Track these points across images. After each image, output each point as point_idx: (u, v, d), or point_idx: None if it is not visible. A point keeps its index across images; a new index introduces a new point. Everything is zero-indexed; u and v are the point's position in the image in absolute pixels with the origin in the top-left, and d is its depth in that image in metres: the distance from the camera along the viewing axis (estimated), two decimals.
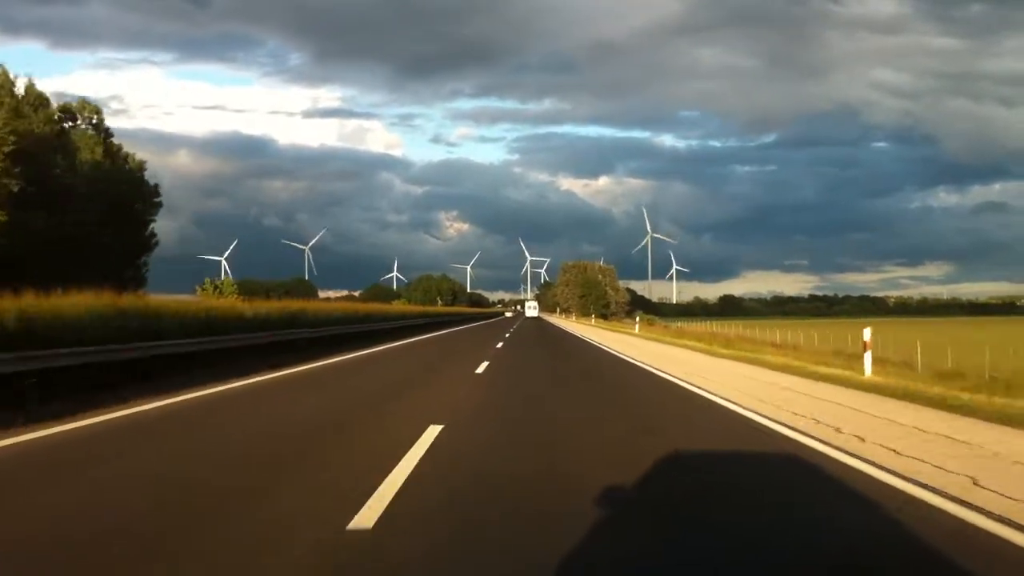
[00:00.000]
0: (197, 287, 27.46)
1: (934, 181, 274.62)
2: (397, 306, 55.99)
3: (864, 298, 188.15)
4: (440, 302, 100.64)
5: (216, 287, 28.04)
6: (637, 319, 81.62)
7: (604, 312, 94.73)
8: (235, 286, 28.01)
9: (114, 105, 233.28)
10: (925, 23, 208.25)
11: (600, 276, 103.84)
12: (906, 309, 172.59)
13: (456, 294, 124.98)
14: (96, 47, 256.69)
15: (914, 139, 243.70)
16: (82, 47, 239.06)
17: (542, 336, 36.60)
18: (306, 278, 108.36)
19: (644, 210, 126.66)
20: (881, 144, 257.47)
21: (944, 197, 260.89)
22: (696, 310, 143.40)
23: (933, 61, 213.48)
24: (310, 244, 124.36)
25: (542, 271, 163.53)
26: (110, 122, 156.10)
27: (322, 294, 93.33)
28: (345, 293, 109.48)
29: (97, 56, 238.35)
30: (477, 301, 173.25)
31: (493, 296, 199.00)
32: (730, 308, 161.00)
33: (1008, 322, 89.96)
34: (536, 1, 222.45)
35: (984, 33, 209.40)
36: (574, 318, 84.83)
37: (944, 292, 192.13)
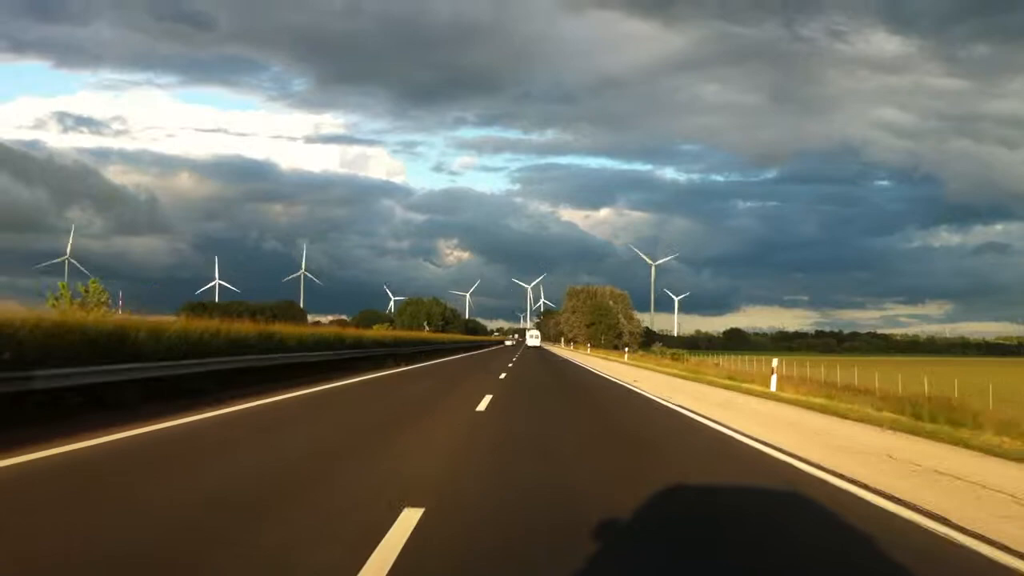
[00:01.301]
0: (50, 293, 18.92)
1: (936, 220, 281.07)
2: (373, 331, 47.12)
3: (873, 335, 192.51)
4: (428, 328, 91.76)
5: (82, 294, 19.44)
6: (656, 350, 73.24)
7: (616, 343, 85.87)
8: (106, 293, 19.23)
9: (116, 126, 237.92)
10: (929, 63, 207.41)
11: (611, 303, 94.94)
12: (915, 347, 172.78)
13: (448, 320, 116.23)
14: (99, 67, 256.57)
15: (916, 178, 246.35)
16: (85, 67, 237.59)
17: (554, 378, 27.04)
18: (301, 302, 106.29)
19: (636, 249, 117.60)
20: (883, 182, 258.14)
21: (946, 237, 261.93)
22: (701, 343, 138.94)
23: (936, 101, 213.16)
24: (303, 266, 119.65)
25: (541, 303, 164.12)
26: (112, 143, 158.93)
27: (313, 318, 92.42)
28: (334, 318, 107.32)
29: (100, 76, 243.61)
30: (474, 329, 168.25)
31: (492, 325, 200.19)
32: (736, 342, 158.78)
33: None
34: (539, 33, 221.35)
35: (987, 74, 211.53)
36: (587, 350, 75.12)
37: (946, 331, 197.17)
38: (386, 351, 33.85)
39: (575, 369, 34.86)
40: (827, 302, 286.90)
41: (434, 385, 20.86)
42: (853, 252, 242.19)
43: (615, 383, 24.09)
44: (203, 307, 67.77)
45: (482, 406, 13.79)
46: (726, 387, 22.17)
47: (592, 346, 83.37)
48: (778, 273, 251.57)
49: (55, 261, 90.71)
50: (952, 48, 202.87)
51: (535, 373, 28.72)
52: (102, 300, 20.65)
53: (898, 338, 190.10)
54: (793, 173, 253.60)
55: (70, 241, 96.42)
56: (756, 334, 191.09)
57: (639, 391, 19.97)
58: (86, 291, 21.41)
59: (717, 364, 50.24)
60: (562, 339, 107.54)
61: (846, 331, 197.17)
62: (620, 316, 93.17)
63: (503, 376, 23.92)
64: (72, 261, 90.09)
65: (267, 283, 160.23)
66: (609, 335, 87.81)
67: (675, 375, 31.29)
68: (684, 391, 20.04)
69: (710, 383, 24.64)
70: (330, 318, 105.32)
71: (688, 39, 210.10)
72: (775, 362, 22.20)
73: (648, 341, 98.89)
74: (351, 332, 37.68)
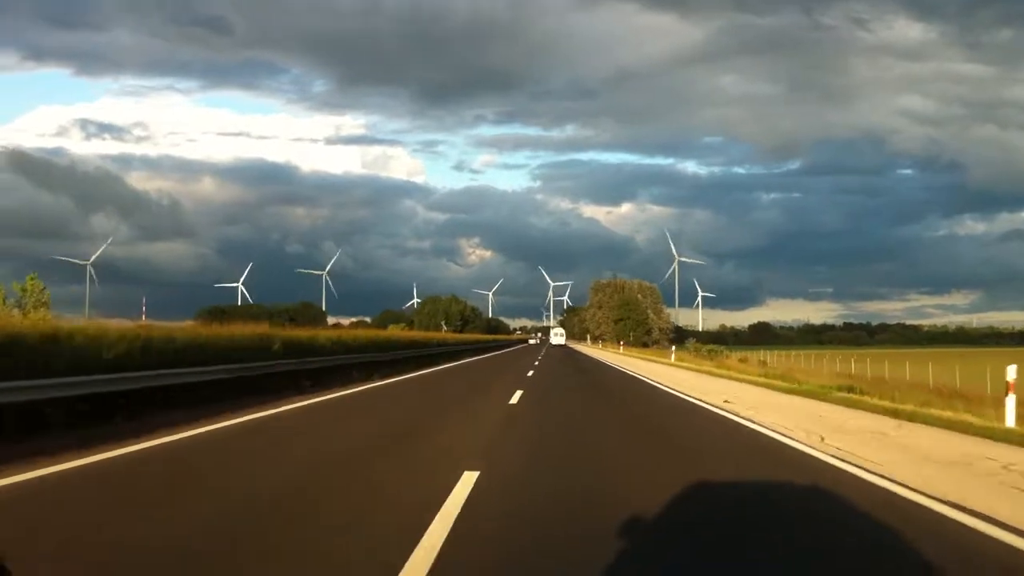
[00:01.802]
0: None
1: (960, 209, 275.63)
2: (378, 332, 43.13)
3: (903, 326, 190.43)
4: (445, 328, 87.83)
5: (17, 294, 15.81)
6: (690, 346, 68.81)
7: (645, 340, 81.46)
8: (47, 292, 15.50)
9: (138, 132, 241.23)
10: (951, 49, 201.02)
11: (640, 296, 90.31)
12: (947, 338, 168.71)
13: (467, 319, 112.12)
14: (120, 74, 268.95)
15: (940, 166, 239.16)
16: (106, 74, 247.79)
17: (601, 402, 17.64)
18: (323, 304, 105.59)
19: (667, 234, 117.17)
20: (906, 171, 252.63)
21: (970, 225, 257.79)
22: (727, 338, 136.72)
23: (959, 88, 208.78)
24: (327, 269, 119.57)
25: (564, 297, 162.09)
26: (134, 149, 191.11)
27: (334, 320, 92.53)
28: (356, 319, 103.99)
29: (121, 83, 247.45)
30: (496, 327, 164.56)
31: (515, 323, 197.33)
32: (764, 336, 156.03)
33: None
34: (557, 28, 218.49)
35: (1011, 59, 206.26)
36: (619, 348, 70.31)
37: (973, 320, 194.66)
38: (350, 360, 23.89)
39: (620, 379, 26.11)
40: (851, 294, 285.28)
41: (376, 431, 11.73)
42: (877, 243, 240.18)
43: (720, 415, 13.70)
44: (221, 312, 66.52)
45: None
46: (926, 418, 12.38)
47: (624, 344, 79.15)
48: (802, 266, 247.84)
49: (76, 262, 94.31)
50: (975, 34, 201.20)
51: (565, 393, 19.81)
52: (42, 301, 17.06)
53: (926, 329, 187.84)
54: (815, 164, 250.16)
55: (100, 250, 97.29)
56: (782, 328, 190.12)
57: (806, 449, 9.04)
58: (23, 291, 17.83)
59: (764, 362, 45.81)
60: (588, 337, 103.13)
61: (871, 323, 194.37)
62: (649, 311, 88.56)
63: (516, 399, 16.05)
64: (91, 269, 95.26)
65: (288, 286, 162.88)
66: (638, 331, 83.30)
67: (773, 387, 21.93)
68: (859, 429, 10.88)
69: (854, 403, 15.23)
70: (351, 320, 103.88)
71: (706, 30, 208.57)
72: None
73: (679, 337, 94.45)
74: (283, 333, 33.65)
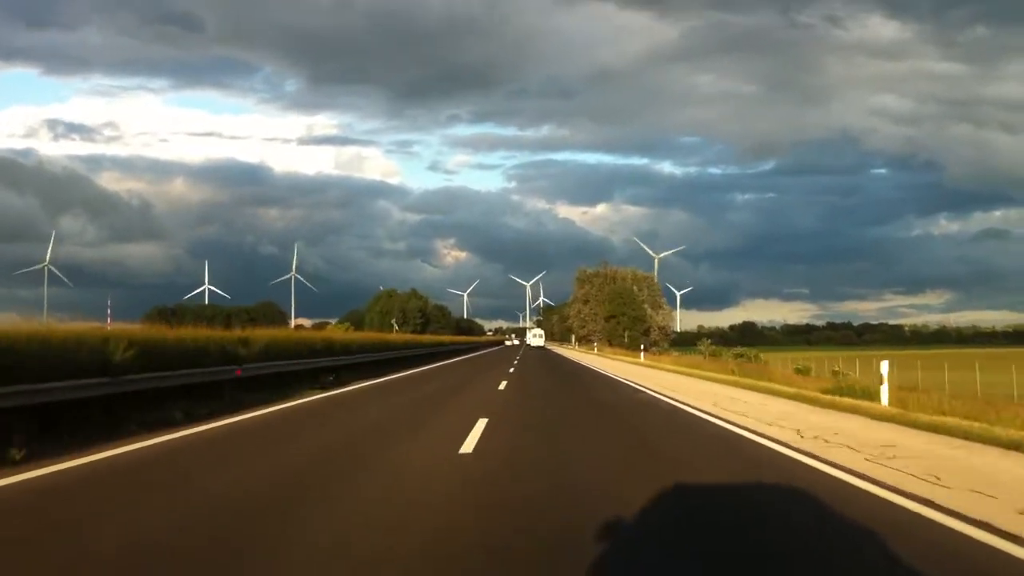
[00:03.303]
0: None
1: (935, 208, 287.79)
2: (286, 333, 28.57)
3: (889, 327, 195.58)
4: (397, 328, 72.96)
5: None
6: (703, 348, 55.02)
7: (643, 342, 67.19)
8: None
9: (108, 132, 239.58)
10: (926, 47, 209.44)
11: (635, 289, 75.61)
12: (938, 339, 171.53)
13: (429, 317, 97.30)
14: (90, 73, 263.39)
15: (915, 166, 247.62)
16: (75, 73, 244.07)
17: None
18: (291, 305, 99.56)
19: (637, 239, 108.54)
20: (881, 171, 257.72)
21: (945, 224, 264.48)
22: (713, 337, 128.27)
23: (934, 86, 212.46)
24: (294, 267, 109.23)
25: (540, 299, 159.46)
26: (104, 149, 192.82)
27: (298, 322, 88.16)
28: (320, 321, 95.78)
29: (91, 83, 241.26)
30: (468, 328, 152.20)
31: (492, 325, 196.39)
32: (748, 337, 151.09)
33: None
34: (533, 27, 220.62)
35: (986, 58, 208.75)
36: (639, 355, 53.75)
37: (951, 320, 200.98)
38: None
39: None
40: (827, 294, 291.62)
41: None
42: (852, 242, 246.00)
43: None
44: (172, 313, 61.53)
45: None
46: None
47: (615, 345, 64.55)
48: (777, 266, 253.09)
49: (33, 268, 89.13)
50: (950, 32, 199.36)
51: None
52: None
53: (907, 328, 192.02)
54: (791, 164, 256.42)
55: (49, 248, 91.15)
56: (765, 328, 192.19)
57: None
58: None
59: (838, 372, 32.30)
60: (572, 338, 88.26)
61: (851, 323, 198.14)
62: (647, 306, 74.05)
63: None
64: (51, 268, 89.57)
65: (262, 288, 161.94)
66: (634, 330, 68.91)
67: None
68: None
69: None
70: (313, 322, 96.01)
71: (682, 29, 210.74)
72: None
73: (678, 340, 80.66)
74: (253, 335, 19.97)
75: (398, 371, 27.94)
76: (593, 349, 67.08)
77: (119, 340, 11.85)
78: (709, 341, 59.46)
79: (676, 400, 15.71)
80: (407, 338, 54.29)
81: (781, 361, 41.63)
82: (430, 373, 28.66)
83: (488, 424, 10.65)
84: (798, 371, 33.19)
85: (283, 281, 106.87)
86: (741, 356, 46.56)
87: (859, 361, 31.38)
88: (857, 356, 47.98)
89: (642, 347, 51.32)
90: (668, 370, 31.85)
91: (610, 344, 67.85)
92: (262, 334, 22.61)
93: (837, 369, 31.85)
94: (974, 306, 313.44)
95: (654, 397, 16.76)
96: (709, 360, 44.12)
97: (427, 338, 57.10)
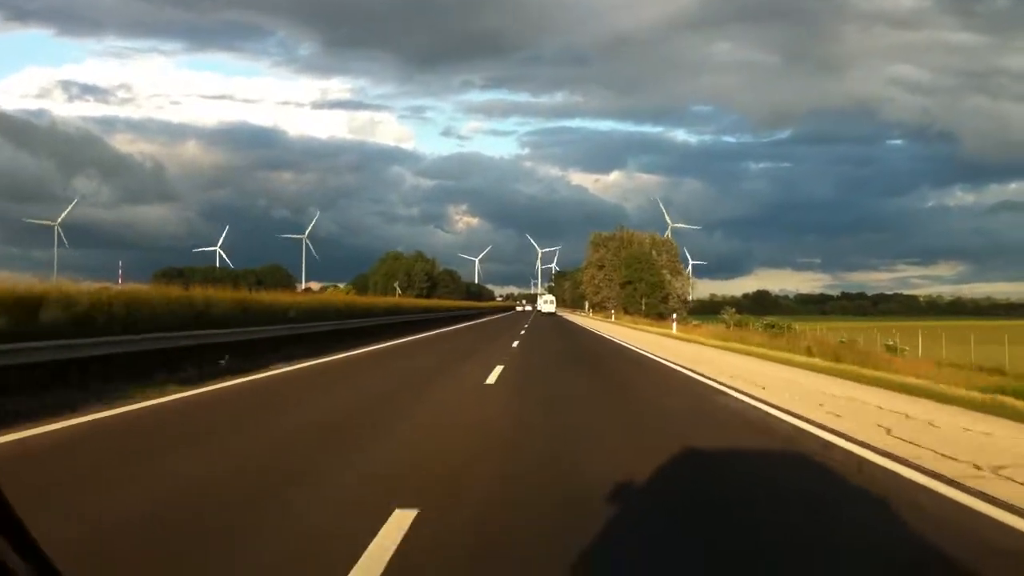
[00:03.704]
0: None
1: (950, 180, 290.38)
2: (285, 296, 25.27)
3: (903, 296, 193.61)
4: (400, 292, 69.51)
5: None
6: (727, 318, 51.31)
7: (662, 310, 63.49)
8: None
9: (122, 94, 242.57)
10: (944, 17, 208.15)
11: (654, 253, 71.62)
12: (947, 309, 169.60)
13: (436, 281, 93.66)
14: (103, 35, 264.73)
15: (931, 137, 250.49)
16: (89, 35, 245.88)
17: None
18: (302, 268, 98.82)
19: (659, 201, 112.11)
20: (897, 142, 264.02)
21: (960, 196, 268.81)
22: (725, 308, 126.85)
23: (952, 57, 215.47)
24: (307, 232, 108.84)
25: (552, 265, 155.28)
26: (118, 111, 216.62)
27: (307, 286, 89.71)
28: (330, 284, 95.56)
29: (105, 44, 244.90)
30: (478, 293, 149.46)
31: (503, 290, 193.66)
32: (764, 306, 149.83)
33: None
34: None
35: (1004, 28, 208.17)
36: (640, 322, 51.63)
37: (964, 291, 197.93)
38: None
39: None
40: (840, 264, 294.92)
41: None
42: (867, 213, 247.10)
43: None
44: (179, 273, 63.12)
45: None
46: None
47: (633, 313, 60.81)
48: (791, 235, 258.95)
49: (43, 222, 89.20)
50: (969, 1, 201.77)
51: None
52: None
53: (921, 299, 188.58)
54: (806, 134, 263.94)
55: (68, 209, 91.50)
56: (780, 297, 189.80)
57: None
58: None
59: (895, 347, 27.97)
60: (586, 304, 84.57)
61: (856, 293, 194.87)
62: (666, 272, 70.05)
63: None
64: (59, 230, 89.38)
65: (273, 251, 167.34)
66: (653, 297, 65.03)
67: None
68: None
69: None
70: (321, 285, 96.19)
71: None
72: None
73: (695, 308, 76.94)
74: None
75: (369, 344, 22.90)
76: (610, 317, 63.22)
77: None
78: (733, 310, 55.72)
79: (809, 422, 8.14)
80: (417, 303, 50.90)
81: (811, 332, 37.82)
82: (435, 339, 25.12)
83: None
84: (888, 348, 28.30)
85: (293, 241, 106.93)
86: (772, 327, 42.90)
87: (922, 334, 27.37)
88: (896, 327, 43.62)
89: (674, 316, 47.31)
90: (714, 346, 26.27)
91: (626, 312, 64.18)
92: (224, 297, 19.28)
93: (892, 343, 27.89)
94: (987, 278, 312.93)
95: (756, 409, 9.33)
96: (757, 333, 39.73)
97: (424, 302, 53.72)
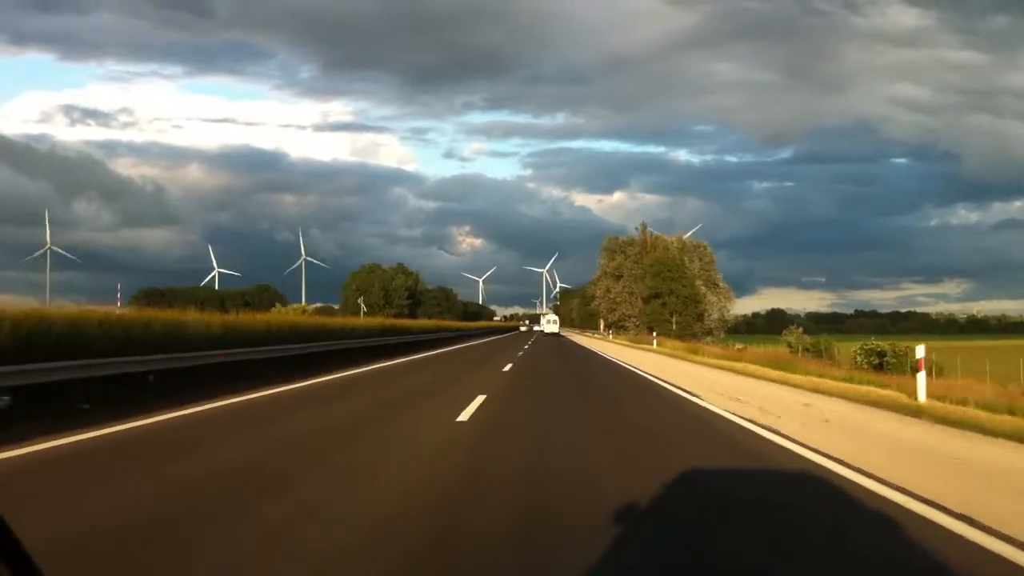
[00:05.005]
0: None
1: (954, 198, 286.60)
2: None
3: (919, 315, 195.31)
4: (365, 311, 56.08)
5: None
6: (791, 339, 38.18)
7: (696, 330, 50.17)
8: None
9: (124, 118, 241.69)
10: (945, 36, 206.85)
11: (685, 260, 57.66)
12: (968, 328, 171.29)
13: (418, 298, 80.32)
14: (104, 59, 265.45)
15: (934, 155, 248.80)
16: (90, 59, 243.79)
17: None
18: (302, 289, 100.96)
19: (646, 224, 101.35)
20: (900, 160, 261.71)
21: (964, 214, 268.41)
22: (740, 327, 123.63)
23: (954, 75, 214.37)
24: (303, 253, 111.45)
25: (555, 289, 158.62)
26: (120, 135, 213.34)
27: (297, 307, 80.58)
28: (321, 305, 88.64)
29: (106, 68, 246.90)
30: (476, 313, 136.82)
31: (508, 311, 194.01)
32: (779, 325, 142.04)
33: None
34: (547, 13, 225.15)
35: (1006, 47, 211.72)
36: (706, 354, 33.36)
37: (974, 309, 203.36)
38: None
39: None
40: (844, 283, 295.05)
41: None
42: (870, 231, 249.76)
43: None
44: (160, 295, 61.69)
45: None
46: None
47: (662, 334, 46.10)
48: (795, 254, 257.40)
49: (37, 254, 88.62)
50: (970, 20, 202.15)
51: None
52: None
53: (933, 317, 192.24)
54: (808, 152, 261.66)
55: (47, 228, 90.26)
56: (793, 316, 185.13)
57: None
58: None
59: None
60: (601, 324, 70.19)
61: (868, 311, 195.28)
62: (700, 283, 56.41)
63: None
64: (55, 249, 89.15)
65: (276, 274, 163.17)
66: (687, 314, 51.56)
67: None
68: None
69: None
70: (317, 306, 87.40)
71: (699, 15, 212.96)
72: None
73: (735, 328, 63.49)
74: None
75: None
76: (652, 343, 47.20)
77: None
78: (800, 329, 42.53)
79: None
80: (371, 323, 37.67)
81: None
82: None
83: None
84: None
85: (296, 268, 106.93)
86: (876, 352, 29.72)
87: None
88: (934, 347, 36.95)
89: (694, 335, 33.47)
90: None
91: (650, 331, 50.49)
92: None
93: None
94: (992, 295, 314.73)
95: None
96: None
97: (387, 322, 40.41)
